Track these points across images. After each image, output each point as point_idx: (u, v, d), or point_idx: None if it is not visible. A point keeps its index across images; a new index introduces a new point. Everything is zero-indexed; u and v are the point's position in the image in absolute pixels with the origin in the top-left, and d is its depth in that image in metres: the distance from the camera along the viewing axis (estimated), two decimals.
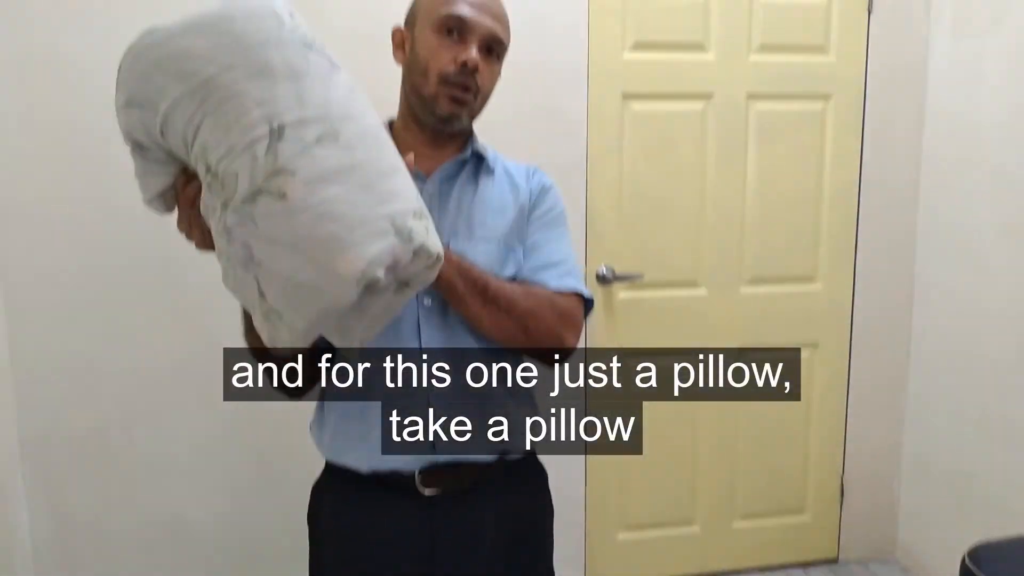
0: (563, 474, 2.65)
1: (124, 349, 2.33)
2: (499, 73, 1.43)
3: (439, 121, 1.38)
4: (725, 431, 2.80)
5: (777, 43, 2.61)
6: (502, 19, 1.38)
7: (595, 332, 2.63)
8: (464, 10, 1.33)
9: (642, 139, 2.59)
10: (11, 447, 2.29)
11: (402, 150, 1.15)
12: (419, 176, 1.35)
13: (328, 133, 1.02)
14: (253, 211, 1.00)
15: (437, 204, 1.37)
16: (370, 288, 1.03)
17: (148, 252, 2.30)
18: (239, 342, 1.32)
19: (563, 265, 1.42)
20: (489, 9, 1.35)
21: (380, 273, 1.02)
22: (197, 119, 1.02)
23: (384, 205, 1.03)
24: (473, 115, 1.42)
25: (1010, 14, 2.38)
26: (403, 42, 1.42)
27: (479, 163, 1.46)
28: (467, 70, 1.33)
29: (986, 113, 2.48)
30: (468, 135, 1.48)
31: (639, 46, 2.54)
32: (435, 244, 1.09)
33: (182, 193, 1.14)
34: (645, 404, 2.72)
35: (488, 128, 2.44)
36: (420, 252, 1.05)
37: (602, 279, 2.60)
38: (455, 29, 1.33)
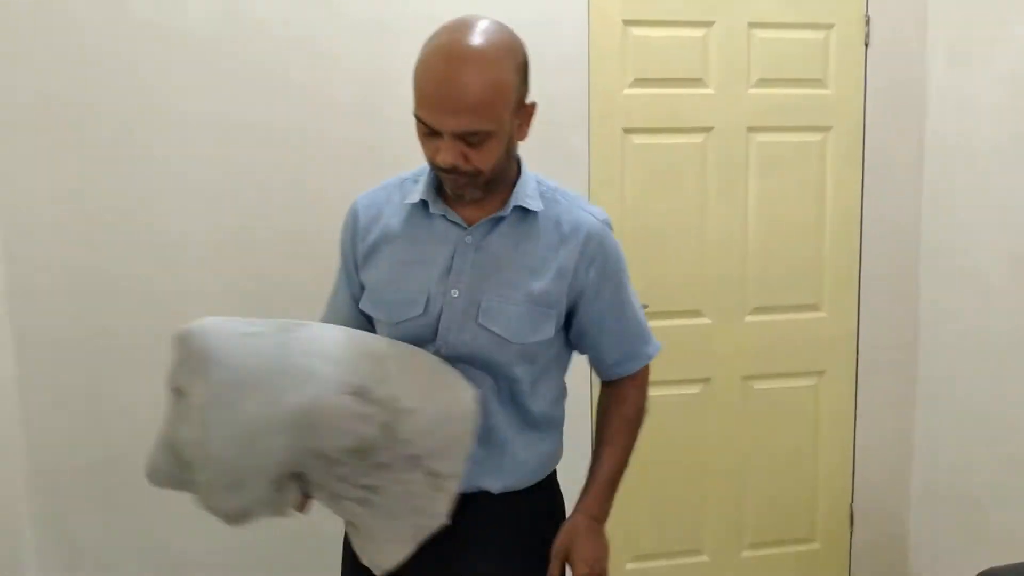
0: (568, 505, 2.67)
1: (132, 382, 2.39)
2: (503, 142, 1.31)
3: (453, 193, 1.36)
4: (732, 460, 2.81)
5: (776, 77, 2.66)
6: (475, 108, 1.22)
7: None
8: (426, 114, 1.25)
9: (643, 172, 2.63)
10: (19, 480, 2.34)
11: (448, 197, 1.35)
12: (461, 225, 1.38)
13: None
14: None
15: (472, 258, 1.38)
16: None
17: (154, 288, 2.38)
18: None
19: (640, 324, 1.54)
20: (455, 104, 1.22)
21: None
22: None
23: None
24: (488, 182, 1.33)
25: (1006, 40, 2.41)
26: None
27: (524, 214, 1.40)
28: (447, 167, 1.28)
29: (986, 139, 2.50)
30: (513, 182, 1.41)
31: (639, 82, 2.59)
32: None
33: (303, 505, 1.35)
34: (650, 432, 2.73)
35: None
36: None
37: None
38: (426, 125, 1.27)
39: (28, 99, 2.27)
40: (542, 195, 1.42)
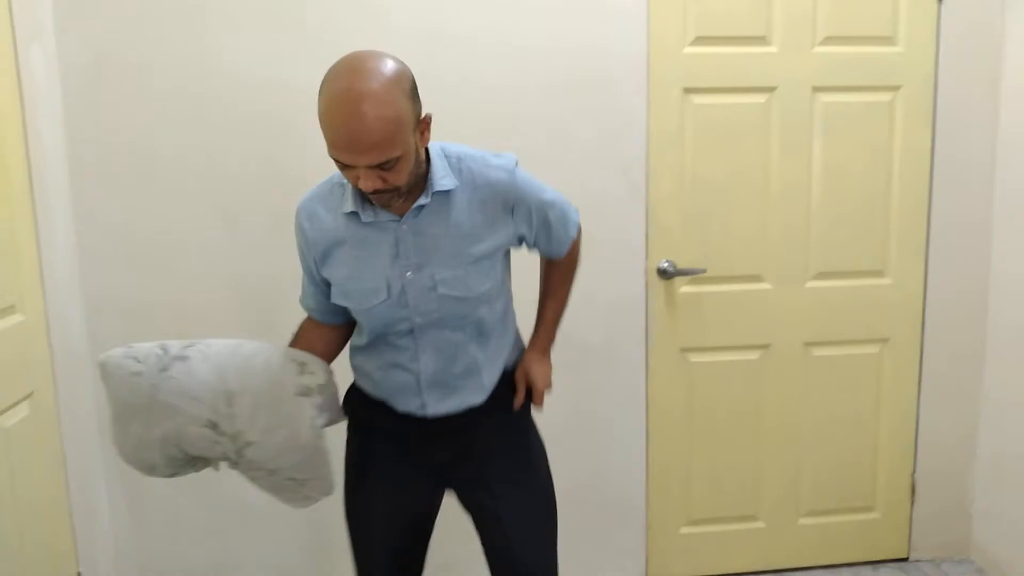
0: (624, 468, 2.69)
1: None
2: (411, 158, 1.46)
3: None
4: (791, 427, 2.78)
5: (843, 35, 2.57)
6: (380, 144, 1.39)
7: (656, 327, 2.64)
8: (339, 155, 1.41)
9: (704, 133, 2.58)
10: (91, 437, 2.43)
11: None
12: (394, 219, 1.57)
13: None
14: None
15: (413, 242, 1.58)
16: None
17: (220, 259, 2.43)
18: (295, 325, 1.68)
19: (563, 215, 1.76)
20: (362, 145, 1.38)
21: None
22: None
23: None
24: (408, 190, 1.52)
25: None
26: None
27: (444, 194, 1.58)
28: (370, 191, 1.46)
29: None
30: (426, 172, 1.57)
31: (700, 40, 2.53)
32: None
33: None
34: (708, 398, 2.72)
35: (547, 122, 2.50)
36: None
37: (663, 273, 2.60)
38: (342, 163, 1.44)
39: (93, 57, 2.31)
40: (452, 169, 1.59)
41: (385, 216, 1.56)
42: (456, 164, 1.60)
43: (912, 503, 2.87)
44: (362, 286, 1.61)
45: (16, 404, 2.04)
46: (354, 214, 1.57)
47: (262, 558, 2.60)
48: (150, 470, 1.63)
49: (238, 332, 2.43)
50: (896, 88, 2.62)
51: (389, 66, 1.41)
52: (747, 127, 2.60)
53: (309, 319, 1.78)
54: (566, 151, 2.50)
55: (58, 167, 2.28)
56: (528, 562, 1.75)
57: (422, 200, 1.55)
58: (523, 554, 1.74)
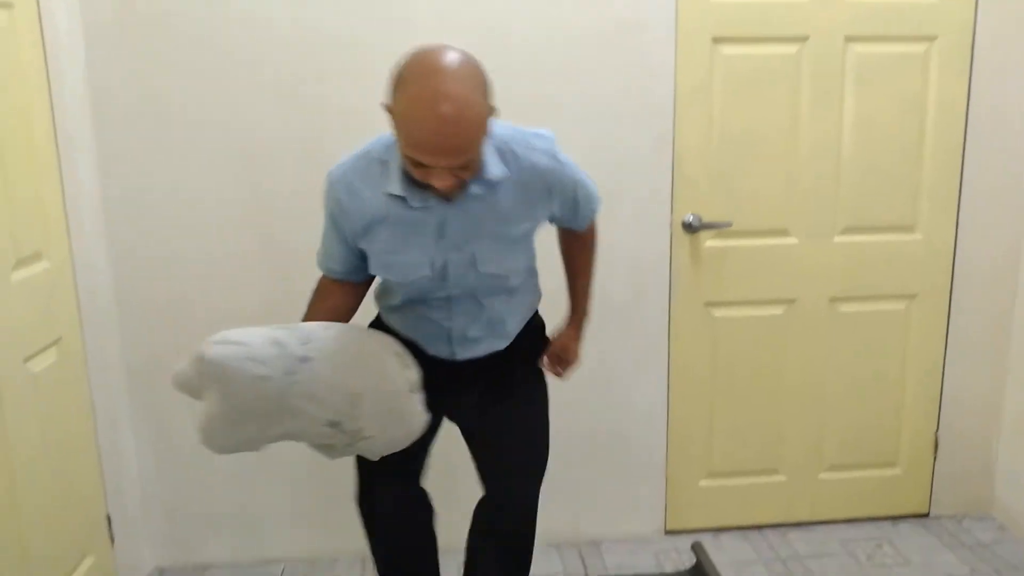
0: (645, 421, 2.69)
1: (219, 292, 2.47)
2: (482, 153, 1.50)
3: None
4: (815, 382, 2.77)
5: None
6: (465, 147, 1.42)
7: (680, 282, 2.62)
8: (419, 156, 1.42)
9: (733, 83, 2.53)
10: (118, 383, 2.47)
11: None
12: (442, 202, 1.58)
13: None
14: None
15: (457, 223, 1.60)
16: None
17: (243, 211, 2.43)
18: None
19: (588, 193, 1.78)
20: (448, 149, 1.40)
21: None
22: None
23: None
24: (476, 174, 1.54)
25: None
26: (390, 112, 1.47)
27: (493, 184, 1.59)
28: (443, 189, 1.49)
29: None
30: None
31: None
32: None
33: None
34: (731, 353, 2.70)
35: (575, 74, 2.45)
36: None
37: (688, 227, 2.57)
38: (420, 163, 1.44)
39: (116, 5, 2.29)
40: (499, 153, 1.59)
41: (433, 200, 1.57)
42: (502, 147, 1.59)
43: (935, 459, 2.86)
44: (404, 260, 1.64)
45: (44, 350, 2.06)
46: (400, 198, 1.58)
47: (283, 502, 2.64)
48: (234, 450, 1.63)
49: (262, 279, 2.45)
50: (932, 39, 2.54)
51: (471, 66, 1.43)
52: (777, 78, 2.54)
53: (328, 279, 1.78)
54: (592, 102, 2.46)
55: (81, 115, 2.28)
56: (512, 485, 1.89)
57: (474, 189, 1.57)
58: (508, 472, 1.88)
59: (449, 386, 1.79)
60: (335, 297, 1.77)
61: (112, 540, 2.40)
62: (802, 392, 2.77)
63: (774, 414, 2.78)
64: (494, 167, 1.56)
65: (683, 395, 2.72)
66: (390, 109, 1.44)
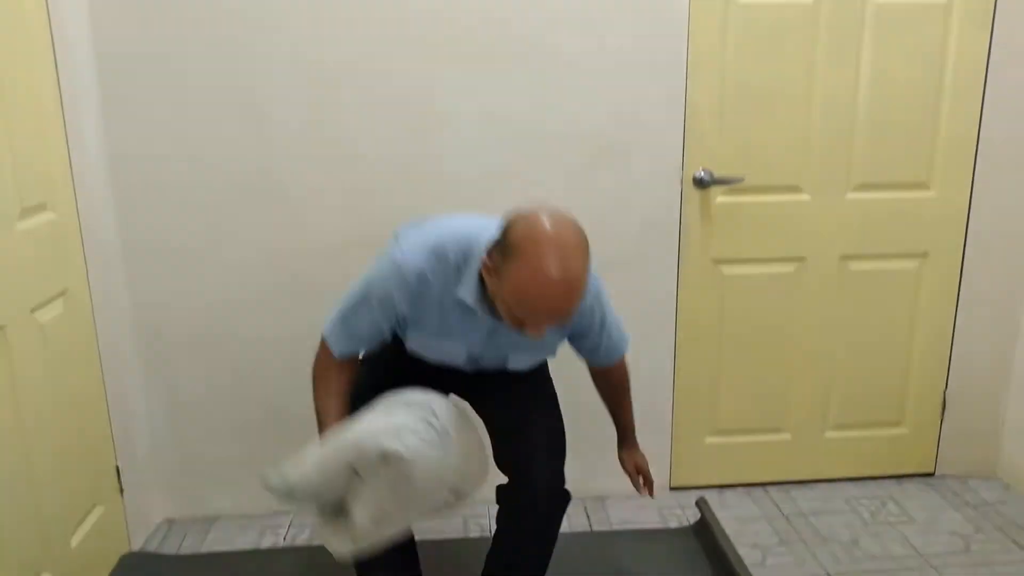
0: (651, 377, 2.68)
1: (225, 242, 2.46)
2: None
3: None
4: (823, 340, 2.75)
5: None
6: (572, 313, 1.52)
7: (689, 238, 2.60)
8: (530, 321, 1.49)
9: (747, 36, 2.47)
10: (126, 335, 2.47)
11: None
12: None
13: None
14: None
15: (506, 335, 1.67)
16: None
17: (249, 163, 2.40)
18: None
19: (620, 337, 1.89)
20: (560, 319, 1.50)
21: None
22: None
23: None
24: None
25: None
26: (490, 268, 1.53)
27: None
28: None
29: None
30: None
31: None
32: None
33: None
34: (739, 310, 2.69)
35: (587, 28, 2.41)
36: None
37: (699, 183, 2.54)
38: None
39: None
40: None
41: (497, 318, 1.61)
42: None
43: (942, 419, 2.85)
44: (443, 347, 1.76)
45: (51, 301, 2.06)
46: (469, 308, 1.64)
47: (291, 453, 2.64)
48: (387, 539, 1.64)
49: (268, 229, 2.43)
50: None
51: (580, 235, 1.48)
52: (793, 30, 2.48)
53: (341, 364, 1.76)
54: (602, 54, 2.41)
55: (86, 67, 2.25)
56: (543, 466, 1.83)
57: None
58: (536, 454, 1.83)
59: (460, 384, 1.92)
60: (349, 370, 1.78)
61: (121, 491, 2.42)
62: (810, 350, 2.76)
63: (781, 372, 2.77)
64: None
65: (690, 352, 2.71)
66: (494, 270, 1.49)
